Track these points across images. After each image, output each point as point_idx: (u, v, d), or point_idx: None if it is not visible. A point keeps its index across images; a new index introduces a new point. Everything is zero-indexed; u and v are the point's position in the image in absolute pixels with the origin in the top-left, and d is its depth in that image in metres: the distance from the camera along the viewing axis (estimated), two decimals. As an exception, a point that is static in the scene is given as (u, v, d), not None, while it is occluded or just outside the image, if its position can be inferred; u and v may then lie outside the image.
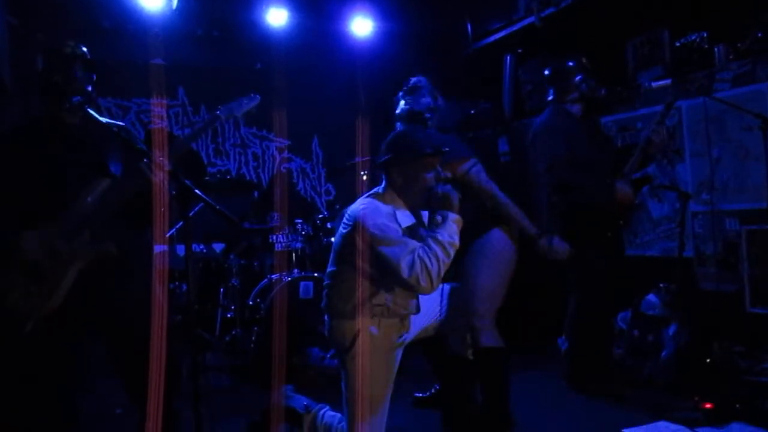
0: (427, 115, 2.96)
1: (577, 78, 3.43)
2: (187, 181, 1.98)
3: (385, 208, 2.37)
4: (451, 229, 2.30)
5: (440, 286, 2.64)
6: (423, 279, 2.20)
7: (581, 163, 3.30)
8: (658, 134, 3.27)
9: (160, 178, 2.10)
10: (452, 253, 2.28)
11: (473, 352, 2.76)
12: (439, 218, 2.33)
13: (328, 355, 2.90)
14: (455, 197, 2.36)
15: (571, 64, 3.47)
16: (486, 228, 2.85)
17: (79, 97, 2.19)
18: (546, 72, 3.58)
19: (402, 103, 3.04)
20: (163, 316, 2.06)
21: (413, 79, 3.06)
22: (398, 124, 3.05)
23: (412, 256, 2.22)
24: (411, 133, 2.53)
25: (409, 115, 3.00)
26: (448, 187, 2.40)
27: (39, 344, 2.12)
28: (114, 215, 2.19)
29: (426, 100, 2.99)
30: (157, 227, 2.11)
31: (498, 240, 2.86)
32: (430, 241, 2.26)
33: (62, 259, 2.09)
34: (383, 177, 2.50)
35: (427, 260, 2.20)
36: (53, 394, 2.25)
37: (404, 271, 2.20)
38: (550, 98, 3.54)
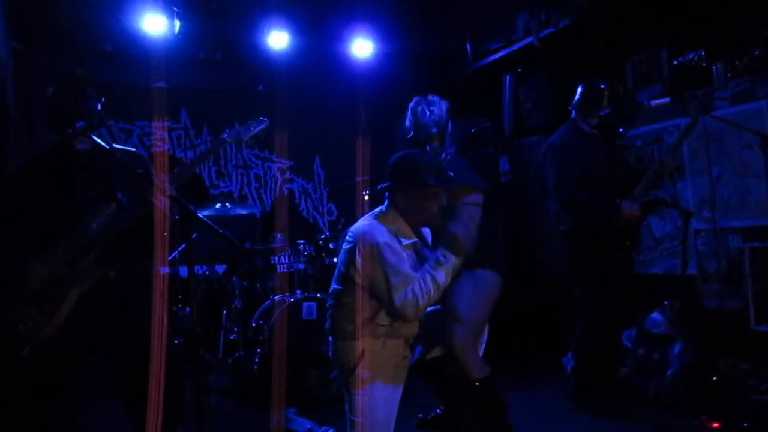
0: (440, 157, 2.82)
1: (604, 112, 3.41)
2: (190, 206, 1.99)
3: (388, 229, 2.38)
4: (450, 272, 2.35)
5: None
6: (410, 310, 2.27)
7: (591, 182, 3.29)
8: (672, 158, 3.26)
9: (162, 202, 2.11)
10: (441, 293, 2.34)
11: (464, 385, 2.71)
12: (442, 258, 2.35)
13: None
14: (463, 241, 2.39)
15: (602, 86, 3.45)
16: (479, 264, 2.76)
17: (83, 123, 2.21)
18: (579, 87, 3.52)
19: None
20: (163, 339, 2.05)
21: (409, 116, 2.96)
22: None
23: (407, 289, 2.27)
24: (415, 160, 2.50)
25: (412, 143, 2.95)
26: (460, 226, 2.44)
27: (38, 367, 2.12)
28: (117, 239, 2.20)
29: (421, 121, 2.89)
30: (159, 250, 2.12)
31: (484, 277, 2.79)
32: (428, 279, 2.30)
33: (64, 284, 2.10)
34: (386, 197, 2.51)
35: (419, 296, 2.27)
36: (53, 418, 2.23)
37: (396, 300, 2.26)
38: (571, 109, 3.52)
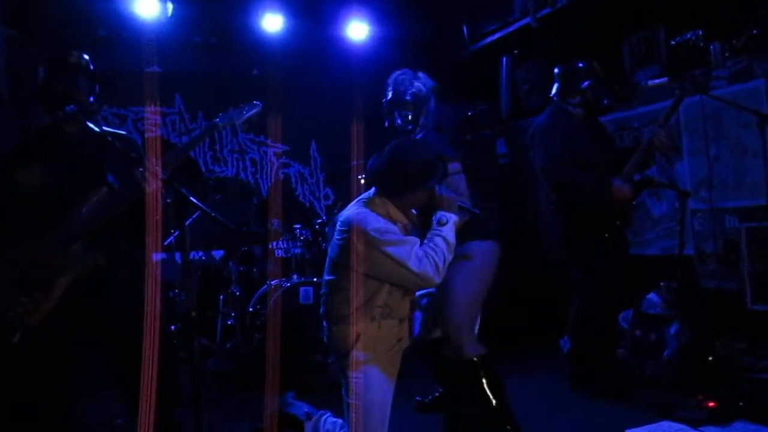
0: (409, 127, 2.85)
1: (584, 84, 3.41)
2: (183, 190, 1.97)
3: (378, 213, 2.38)
4: (453, 230, 2.37)
5: None
6: (432, 271, 2.27)
7: (580, 163, 3.29)
8: (660, 135, 3.24)
9: (154, 186, 2.09)
10: (453, 251, 2.34)
11: (460, 365, 2.72)
12: (444, 219, 2.37)
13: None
14: (455, 199, 2.41)
15: (580, 65, 3.45)
16: (470, 237, 2.74)
17: (73, 106, 2.18)
18: (555, 69, 3.53)
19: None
20: (156, 325, 2.04)
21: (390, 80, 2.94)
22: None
23: (419, 251, 2.29)
24: (416, 153, 2.44)
25: (386, 106, 2.93)
26: (448, 190, 2.43)
27: (30, 354, 2.11)
28: (108, 225, 2.18)
29: (399, 86, 2.87)
30: (152, 236, 2.10)
31: (477, 250, 2.76)
32: (437, 239, 2.33)
33: (54, 270, 2.08)
34: (375, 186, 2.48)
35: (434, 255, 2.29)
36: (48, 406, 2.23)
37: (413, 266, 2.27)
38: (552, 96, 3.52)
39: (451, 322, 2.68)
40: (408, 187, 2.39)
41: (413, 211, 2.63)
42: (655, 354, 3.54)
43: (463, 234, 2.58)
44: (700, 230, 3.88)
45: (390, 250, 2.28)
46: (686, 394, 3.07)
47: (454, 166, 2.72)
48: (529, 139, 3.49)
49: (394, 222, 2.38)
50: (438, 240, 2.33)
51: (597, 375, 3.42)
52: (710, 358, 3.37)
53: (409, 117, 2.85)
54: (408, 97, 2.84)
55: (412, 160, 2.40)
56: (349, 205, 2.50)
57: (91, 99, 2.29)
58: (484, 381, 2.69)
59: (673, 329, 3.53)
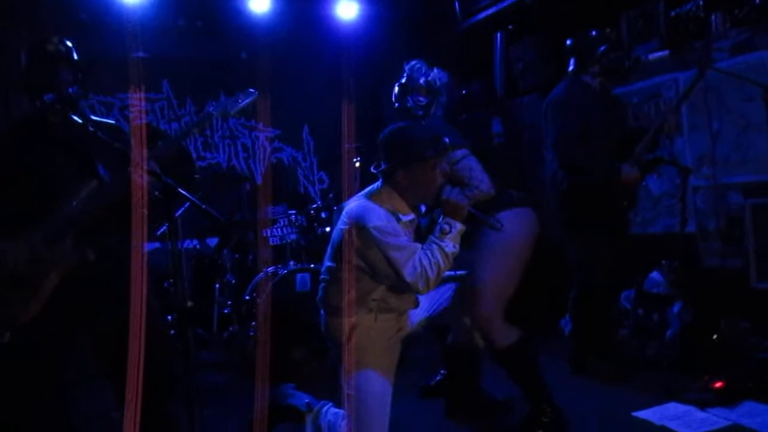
0: (419, 112, 2.83)
1: (601, 49, 3.28)
2: (169, 181, 1.88)
3: (383, 209, 2.32)
4: (457, 240, 2.30)
5: None
6: (422, 283, 2.22)
7: (592, 141, 3.16)
8: (673, 117, 3.16)
9: (142, 178, 2.00)
10: (451, 263, 2.28)
11: (493, 354, 2.68)
12: (446, 227, 2.29)
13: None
14: (464, 205, 2.33)
15: (594, 33, 3.33)
16: (495, 209, 2.62)
17: (52, 96, 2.08)
18: (567, 42, 3.40)
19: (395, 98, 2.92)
20: (143, 317, 1.98)
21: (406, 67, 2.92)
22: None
23: (414, 261, 2.22)
24: (407, 132, 2.41)
25: (399, 89, 2.90)
26: (456, 191, 2.37)
27: (22, 352, 2.05)
28: (98, 219, 2.10)
29: (414, 73, 2.86)
30: (138, 228, 2.02)
31: (509, 223, 2.58)
32: (436, 250, 2.25)
33: (43, 266, 2.01)
34: (381, 178, 2.42)
35: (428, 268, 2.22)
36: (41, 403, 2.17)
37: (407, 276, 2.21)
38: (570, 69, 3.39)
39: (478, 313, 2.63)
40: (405, 160, 2.32)
41: (422, 209, 2.57)
42: (658, 334, 3.49)
43: (486, 207, 2.53)
44: (702, 207, 3.81)
45: (387, 253, 2.23)
46: (689, 375, 3.04)
47: (461, 153, 2.65)
48: (543, 111, 3.36)
49: (398, 219, 2.33)
50: (435, 250, 2.25)
51: (598, 356, 3.38)
52: (714, 338, 3.32)
53: (421, 101, 2.83)
54: (422, 82, 2.84)
55: (407, 133, 2.39)
56: (355, 196, 2.45)
57: (72, 89, 2.17)
58: (516, 368, 2.64)
59: (676, 308, 3.49)
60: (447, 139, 2.40)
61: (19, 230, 2.05)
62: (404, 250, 2.24)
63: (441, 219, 2.33)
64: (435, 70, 2.88)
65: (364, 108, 4.62)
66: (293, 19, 5.21)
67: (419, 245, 2.28)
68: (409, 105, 2.84)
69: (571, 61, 3.38)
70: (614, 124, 3.30)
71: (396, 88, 2.91)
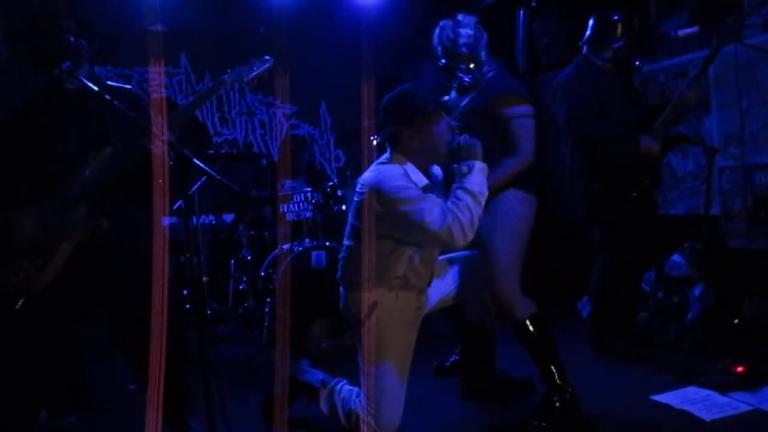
0: (477, 75, 2.71)
1: (618, 44, 3.22)
2: (185, 151, 1.85)
3: (398, 170, 2.28)
4: (480, 177, 2.22)
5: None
6: (456, 230, 2.11)
7: (606, 117, 3.12)
8: (693, 91, 3.07)
9: (159, 148, 1.97)
10: (483, 202, 2.19)
11: (513, 326, 2.63)
12: (465, 168, 2.23)
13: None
14: (478, 145, 2.27)
15: (616, 17, 3.24)
16: (501, 188, 2.62)
17: (69, 63, 2.06)
18: (590, 20, 3.33)
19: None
20: (165, 290, 1.96)
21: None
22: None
23: (441, 208, 2.14)
24: (403, 93, 2.38)
25: (445, 71, 2.80)
26: (465, 136, 2.30)
27: (36, 321, 2.06)
28: (112, 187, 2.09)
29: (448, 46, 2.74)
30: (157, 199, 2.00)
31: (514, 200, 2.64)
32: (460, 192, 2.18)
33: (56, 235, 2.00)
34: (388, 146, 2.38)
35: (458, 211, 2.13)
36: (54, 372, 2.18)
37: (434, 224, 2.12)
38: (582, 43, 3.33)
39: (498, 284, 2.58)
40: (408, 119, 2.28)
41: (437, 174, 2.52)
42: (679, 317, 3.44)
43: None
44: (727, 188, 3.72)
45: (407, 208, 2.16)
46: (710, 358, 2.98)
47: (519, 109, 2.59)
48: (552, 93, 3.32)
49: (414, 182, 2.27)
50: (460, 193, 2.17)
51: (618, 338, 3.33)
52: (736, 321, 3.26)
53: (472, 66, 2.71)
54: (464, 50, 2.70)
55: (405, 93, 2.36)
56: (368, 168, 2.40)
57: (83, 54, 2.14)
58: (534, 341, 2.59)
59: (697, 291, 3.42)
60: (444, 98, 2.35)
61: (32, 200, 2.05)
62: (424, 200, 2.16)
63: (460, 164, 2.26)
64: (462, 24, 2.73)
65: (383, 85, 4.55)
66: (313, -6, 5.14)
67: (440, 197, 2.22)
68: (466, 82, 2.72)
69: (586, 36, 3.31)
70: (629, 103, 3.23)
71: (442, 71, 2.81)
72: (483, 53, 2.73)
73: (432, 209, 2.13)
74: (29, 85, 2.28)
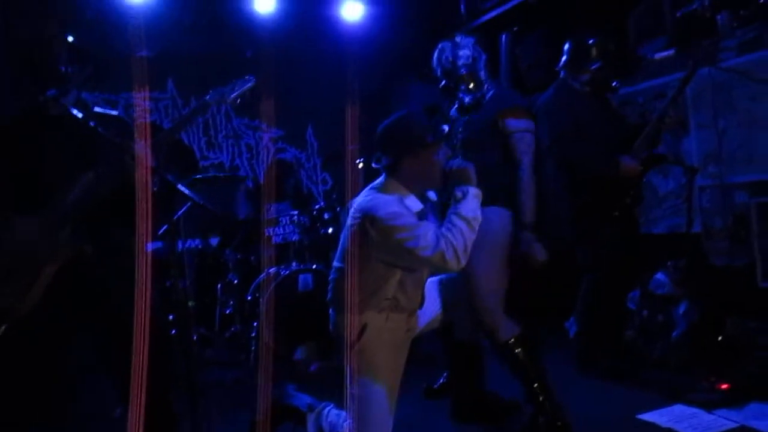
0: (478, 95, 2.75)
1: (594, 66, 3.31)
2: (169, 177, 1.87)
3: (392, 197, 2.29)
4: (474, 203, 2.24)
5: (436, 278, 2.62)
6: (450, 255, 2.12)
7: (586, 138, 3.18)
8: (671, 112, 3.14)
9: (142, 172, 1.99)
10: (476, 228, 2.21)
11: (497, 349, 2.64)
12: (459, 194, 2.25)
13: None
14: (472, 170, 2.29)
15: (591, 41, 3.33)
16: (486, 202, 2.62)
17: (54, 91, 2.08)
18: (566, 44, 3.42)
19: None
20: (146, 314, 1.96)
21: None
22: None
23: (435, 234, 2.15)
24: (405, 121, 2.39)
25: (445, 92, 2.86)
26: (458, 160, 2.33)
27: (20, 345, 2.03)
28: (95, 211, 2.09)
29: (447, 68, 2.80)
30: (141, 224, 2.01)
31: (495, 219, 2.65)
32: (454, 218, 2.20)
33: (40, 257, 1.99)
34: (384, 172, 2.39)
35: (451, 237, 2.14)
36: (41, 396, 2.16)
37: (428, 250, 2.13)
38: (559, 68, 3.41)
39: (481, 308, 2.59)
40: (406, 149, 2.29)
41: (432, 196, 2.54)
42: (664, 335, 3.46)
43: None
44: (707, 207, 3.78)
45: (402, 236, 2.16)
46: (696, 376, 3.00)
47: (522, 124, 2.64)
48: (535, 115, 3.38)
49: (408, 207, 2.28)
50: (454, 218, 2.19)
51: (605, 357, 3.35)
52: (720, 338, 3.29)
53: (472, 86, 2.75)
54: (463, 71, 2.75)
55: (405, 122, 2.37)
56: (362, 192, 2.41)
57: (71, 69, 2.16)
58: (518, 363, 2.60)
59: (681, 309, 3.46)
60: (444, 128, 2.38)
61: (14, 223, 2.05)
62: (419, 227, 2.16)
63: (453, 190, 2.28)
64: (461, 45, 2.79)
65: (369, 108, 4.59)
66: (298, 19, 5.19)
67: (434, 223, 2.24)
68: (467, 102, 2.75)
69: (563, 61, 3.40)
70: (608, 124, 3.29)
71: (443, 92, 2.85)
72: (482, 73, 2.79)
73: (426, 235, 2.14)
74: (21, 108, 2.29)
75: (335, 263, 2.44)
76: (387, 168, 2.38)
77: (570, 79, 3.36)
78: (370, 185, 2.43)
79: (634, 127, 3.44)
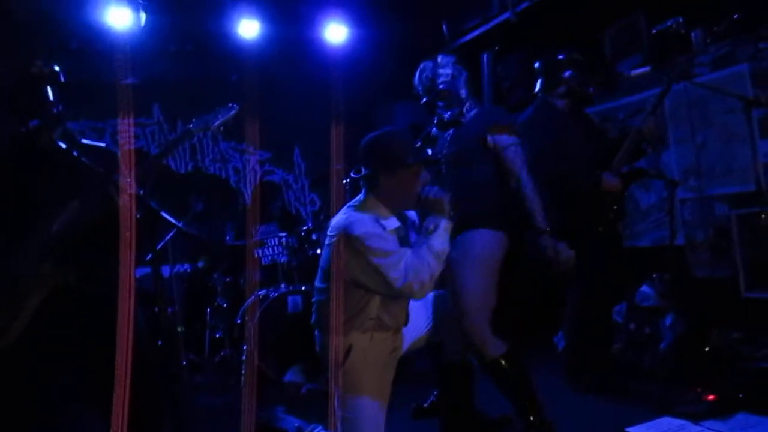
0: (456, 110, 2.83)
1: (567, 73, 3.37)
2: (153, 204, 1.88)
3: (369, 216, 2.30)
4: (444, 236, 2.27)
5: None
6: (416, 286, 2.17)
7: (567, 155, 3.23)
8: (649, 125, 3.20)
9: (126, 201, 2.00)
10: (443, 260, 2.25)
11: (485, 367, 2.65)
12: (431, 225, 2.28)
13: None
14: (447, 201, 2.32)
15: (561, 57, 3.41)
16: (469, 226, 2.69)
17: (36, 121, 2.09)
18: (536, 64, 3.50)
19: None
20: (130, 341, 1.96)
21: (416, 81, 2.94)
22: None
23: (405, 264, 2.18)
24: (388, 140, 2.41)
25: (426, 108, 2.92)
26: (435, 188, 2.34)
27: (3, 376, 2.02)
28: (79, 241, 2.10)
29: (427, 85, 2.86)
30: (126, 251, 2.02)
31: (482, 240, 2.70)
32: (424, 250, 2.22)
33: (23, 288, 1.99)
34: (363, 187, 2.42)
35: (420, 268, 2.18)
36: (25, 427, 2.14)
37: (398, 281, 2.17)
38: (537, 90, 3.48)
39: (469, 326, 2.60)
40: (386, 166, 2.31)
41: (412, 216, 2.56)
42: (651, 347, 3.49)
43: (462, 224, 2.53)
44: (690, 219, 3.83)
45: (375, 260, 2.19)
46: (684, 387, 3.02)
47: (511, 139, 2.70)
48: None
49: (383, 227, 2.29)
50: (424, 250, 2.22)
51: (593, 371, 3.37)
52: (707, 349, 3.32)
53: (450, 103, 2.83)
54: (442, 87, 2.82)
55: (388, 139, 2.39)
56: (340, 210, 2.43)
57: (56, 109, 2.17)
58: (507, 380, 2.62)
59: (668, 321, 3.49)
60: (429, 151, 2.41)
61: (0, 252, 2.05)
62: (392, 255, 2.19)
63: (426, 219, 2.31)
64: (441, 64, 2.86)
65: (354, 129, 4.64)
66: (283, 43, 5.25)
67: (408, 250, 2.25)
68: (446, 118, 2.83)
69: (538, 82, 3.46)
70: (589, 140, 3.35)
71: (425, 107, 2.91)
72: (463, 91, 2.85)
73: (398, 265, 2.18)
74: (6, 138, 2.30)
75: (316, 284, 2.45)
76: (365, 181, 2.39)
77: (549, 97, 3.42)
78: (348, 203, 2.44)
79: (614, 141, 3.50)
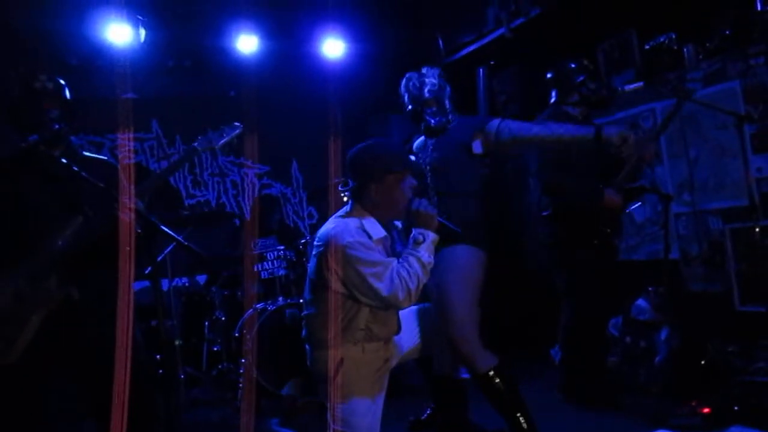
0: (442, 119, 2.89)
1: (578, 79, 3.39)
2: (152, 218, 1.91)
3: (354, 224, 2.31)
4: (431, 249, 2.30)
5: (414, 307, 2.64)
6: (402, 295, 2.20)
7: (572, 166, 3.23)
8: (654, 146, 3.24)
9: (127, 216, 2.02)
10: (429, 272, 2.29)
11: (476, 381, 2.66)
12: (420, 237, 2.30)
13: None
14: (435, 215, 2.34)
15: (572, 65, 3.43)
16: (452, 240, 2.67)
17: (35, 136, 2.11)
18: (548, 74, 3.52)
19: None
20: (128, 355, 1.98)
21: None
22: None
23: (391, 274, 2.21)
24: (373, 149, 2.43)
25: (411, 115, 2.98)
26: (425, 202, 2.37)
27: (6, 393, 2.03)
28: (83, 256, 2.11)
29: (413, 93, 2.93)
30: (125, 266, 2.04)
31: (463, 255, 2.72)
32: (412, 260, 2.25)
33: (27, 304, 2.01)
34: (350, 198, 2.44)
35: (407, 277, 2.21)
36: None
37: (384, 290, 2.20)
38: (551, 100, 3.50)
39: (456, 339, 2.61)
40: (372, 175, 2.33)
41: (399, 225, 2.59)
42: (647, 360, 3.50)
43: (447, 239, 2.54)
44: (684, 233, 3.86)
45: (362, 269, 2.21)
46: (679, 401, 3.03)
47: (492, 125, 2.77)
48: None
49: (369, 236, 2.31)
50: (412, 261, 2.25)
51: (589, 384, 3.38)
52: (702, 362, 3.33)
53: (436, 110, 2.89)
54: (427, 95, 2.88)
55: (373, 149, 2.41)
56: (327, 221, 2.44)
57: (57, 126, 2.20)
58: (497, 393, 2.62)
59: (663, 334, 3.50)
60: (412, 157, 2.45)
61: (2, 269, 2.06)
62: (379, 265, 2.22)
63: (414, 230, 2.33)
64: (427, 74, 2.92)
65: (351, 142, 4.68)
66: (281, 58, 5.30)
67: (394, 260, 2.28)
68: (432, 124, 2.88)
69: (553, 93, 3.48)
70: (594, 153, 3.36)
71: (409, 115, 2.97)
72: (447, 102, 2.92)
73: (384, 274, 2.20)
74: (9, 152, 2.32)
75: (305, 295, 2.45)
76: (353, 192, 2.41)
77: (562, 106, 3.42)
78: (335, 213, 2.46)
79: (612, 157, 3.53)
